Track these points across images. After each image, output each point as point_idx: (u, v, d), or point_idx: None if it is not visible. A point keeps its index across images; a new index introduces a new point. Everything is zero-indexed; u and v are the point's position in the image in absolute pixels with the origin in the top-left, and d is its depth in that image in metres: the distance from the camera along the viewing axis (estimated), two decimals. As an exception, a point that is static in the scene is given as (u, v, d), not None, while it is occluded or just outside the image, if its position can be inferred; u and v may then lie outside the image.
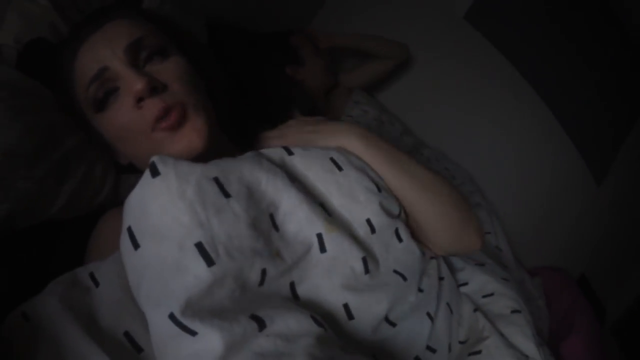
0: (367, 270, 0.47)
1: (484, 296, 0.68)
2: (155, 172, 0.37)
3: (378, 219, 0.50)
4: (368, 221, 0.50)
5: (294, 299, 0.42)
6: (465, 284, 0.69)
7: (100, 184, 0.63)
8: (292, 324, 0.36)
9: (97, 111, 0.52)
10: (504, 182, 1.21)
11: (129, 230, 0.37)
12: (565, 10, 1.11)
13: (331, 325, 0.42)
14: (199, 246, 0.35)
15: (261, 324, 0.35)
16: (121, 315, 0.38)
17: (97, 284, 0.41)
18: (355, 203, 0.50)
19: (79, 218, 0.61)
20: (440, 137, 1.24)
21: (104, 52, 0.50)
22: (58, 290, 0.39)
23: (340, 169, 0.51)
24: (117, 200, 0.65)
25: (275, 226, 0.43)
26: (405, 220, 0.57)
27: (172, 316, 0.33)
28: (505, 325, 0.64)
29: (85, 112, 0.55)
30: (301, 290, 0.43)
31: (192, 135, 0.49)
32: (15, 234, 0.54)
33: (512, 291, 0.70)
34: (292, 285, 0.42)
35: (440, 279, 0.60)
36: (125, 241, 0.37)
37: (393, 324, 0.49)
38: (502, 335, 0.62)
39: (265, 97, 0.80)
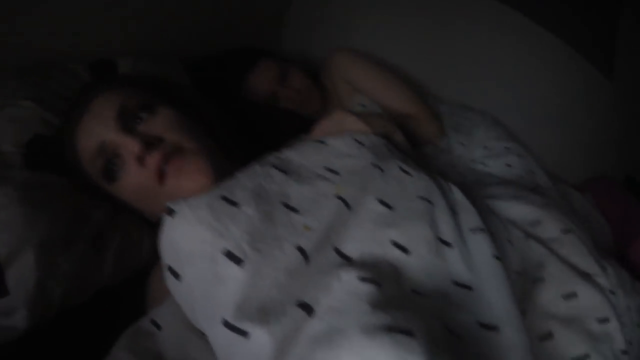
0: (389, 207, 0.47)
1: (531, 224, 0.67)
2: (171, 212, 0.41)
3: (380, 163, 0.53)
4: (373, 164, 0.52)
5: (348, 262, 0.42)
6: (508, 218, 0.67)
7: (138, 245, 0.66)
8: (340, 295, 0.36)
9: (110, 182, 0.55)
10: (524, 113, 1.18)
11: (169, 268, 0.41)
12: None
13: (391, 274, 0.41)
14: (227, 253, 0.38)
15: (309, 310, 0.35)
16: (186, 348, 0.41)
17: (159, 327, 0.45)
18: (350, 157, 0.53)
19: (131, 279, 0.64)
20: (451, 86, 1.22)
21: (98, 129, 0.54)
22: (125, 343, 0.44)
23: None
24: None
25: (294, 209, 0.46)
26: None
27: (225, 322, 0.35)
28: (559, 247, 0.63)
29: (101, 184, 0.58)
30: (349, 251, 0.43)
31: (199, 176, 0.53)
32: (79, 308, 0.58)
33: (557, 213, 0.68)
34: (338, 251, 0.43)
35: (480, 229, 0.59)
36: (169, 279, 0.41)
37: (447, 243, 0.46)
38: (559, 256, 0.61)
39: (255, 116, 0.80)
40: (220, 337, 0.36)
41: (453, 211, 0.50)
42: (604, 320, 0.55)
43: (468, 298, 0.42)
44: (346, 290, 0.36)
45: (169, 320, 0.45)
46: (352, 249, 0.43)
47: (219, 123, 0.71)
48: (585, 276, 0.60)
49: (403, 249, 0.43)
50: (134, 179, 0.54)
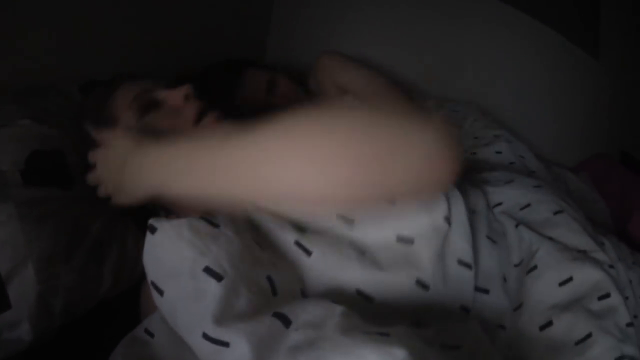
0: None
1: (522, 209, 0.66)
2: (153, 230, 0.42)
3: None
4: None
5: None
6: (499, 204, 0.68)
7: (135, 256, 0.67)
8: (316, 310, 0.38)
9: (145, 114, 0.55)
10: (511, 100, 1.18)
11: (152, 283, 0.41)
12: None
13: (362, 305, 0.45)
14: (207, 270, 0.39)
15: (286, 321, 0.37)
16: (179, 354, 0.42)
17: (152, 335, 0.46)
18: None
19: (130, 289, 0.65)
20: (440, 81, 1.22)
21: (141, 85, 0.57)
22: (122, 351, 0.45)
23: None
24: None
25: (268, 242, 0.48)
26: None
27: (205, 335, 0.36)
28: (552, 229, 0.62)
29: (128, 120, 0.56)
30: (311, 294, 0.46)
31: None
32: (81, 320, 0.60)
33: (548, 195, 0.68)
34: (303, 292, 0.46)
35: (472, 212, 0.59)
36: (154, 294, 0.41)
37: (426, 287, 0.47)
38: (551, 240, 0.60)
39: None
40: (202, 349, 0.37)
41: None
42: (604, 297, 0.54)
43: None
44: (322, 306, 0.38)
45: (160, 328, 0.46)
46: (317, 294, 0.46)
47: None
48: (581, 254, 0.59)
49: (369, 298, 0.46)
50: (170, 117, 0.54)
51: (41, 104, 0.69)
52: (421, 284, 0.47)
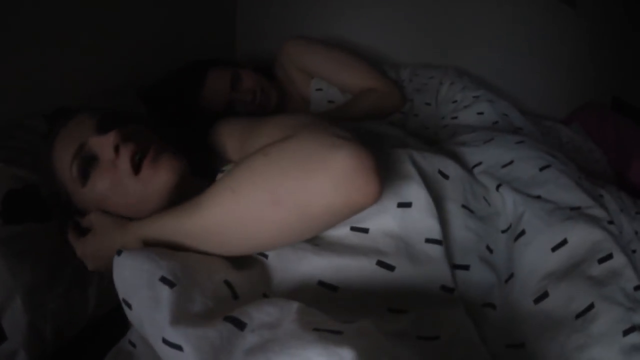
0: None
1: (503, 166, 0.61)
2: (119, 253, 0.44)
3: None
4: None
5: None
6: (479, 163, 0.62)
7: None
8: (272, 310, 0.38)
9: (85, 182, 0.55)
10: (492, 57, 1.15)
11: (123, 300, 0.43)
12: None
13: (328, 296, 0.45)
14: (162, 279, 0.41)
15: (239, 324, 0.37)
16: None
17: (134, 345, 0.48)
18: None
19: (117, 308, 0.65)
20: (415, 49, 1.20)
21: (78, 134, 0.55)
22: None
23: None
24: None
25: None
26: None
27: (164, 340, 0.37)
28: (539, 187, 0.57)
29: (75, 192, 0.57)
30: (279, 294, 0.46)
31: (171, 170, 0.54)
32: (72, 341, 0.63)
33: (532, 150, 0.63)
34: (269, 293, 0.46)
35: (444, 176, 0.54)
36: (125, 309, 0.43)
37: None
38: (539, 199, 0.55)
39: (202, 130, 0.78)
40: (165, 353, 0.38)
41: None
42: (606, 259, 0.47)
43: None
44: (278, 305, 0.38)
45: (140, 338, 0.47)
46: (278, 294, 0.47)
47: (178, 145, 0.71)
48: (575, 212, 0.53)
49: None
50: (109, 174, 0.54)
51: (8, 143, 0.71)
52: (384, 265, 0.45)
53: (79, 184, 0.55)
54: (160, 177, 0.53)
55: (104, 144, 0.53)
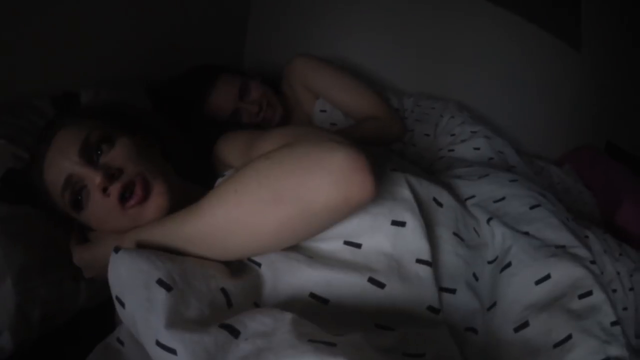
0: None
1: (496, 201, 0.63)
2: (117, 250, 0.45)
3: None
4: None
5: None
6: (473, 196, 0.65)
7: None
8: (266, 319, 0.39)
9: (78, 211, 0.57)
10: (495, 95, 1.18)
11: (116, 297, 0.43)
12: None
13: (318, 309, 0.45)
14: (159, 281, 0.41)
15: (233, 331, 0.38)
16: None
17: (122, 344, 0.48)
18: None
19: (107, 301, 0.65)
20: (419, 78, 1.23)
21: (63, 163, 0.56)
22: (94, 358, 0.46)
23: None
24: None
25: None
26: None
27: (157, 342, 0.37)
28: (528, 224, 0.59)
29: (70, 213, 0.59)
30: (270, 304, 0.47)
31: (159, 199, 0.55)
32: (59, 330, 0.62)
33: (524, 189, 0.65)
34: (260, 303, 0.47)
35: (438, 204, 0.56)
36: (117, 308, 0.43)
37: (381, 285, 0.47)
38: (527, 235, 0.57)
39: (216, 135, 0.79)
40: (157, 355, 0.38)
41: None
42: (586, 295, 0.50)
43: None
44: (272, 315, 0.39)
45: (129, 337, 0.47)
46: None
47: (177, 147, 0.72)
48: (560, 250, 0.56)
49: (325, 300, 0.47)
50: (99, 207, 0.55)
51: (14, 121, 0.70)
52: (375, 282, 0.46)
53: (73, 212, 0.57)
54: (149, 212, 0.55)
55: (91, 178, 0.54)
